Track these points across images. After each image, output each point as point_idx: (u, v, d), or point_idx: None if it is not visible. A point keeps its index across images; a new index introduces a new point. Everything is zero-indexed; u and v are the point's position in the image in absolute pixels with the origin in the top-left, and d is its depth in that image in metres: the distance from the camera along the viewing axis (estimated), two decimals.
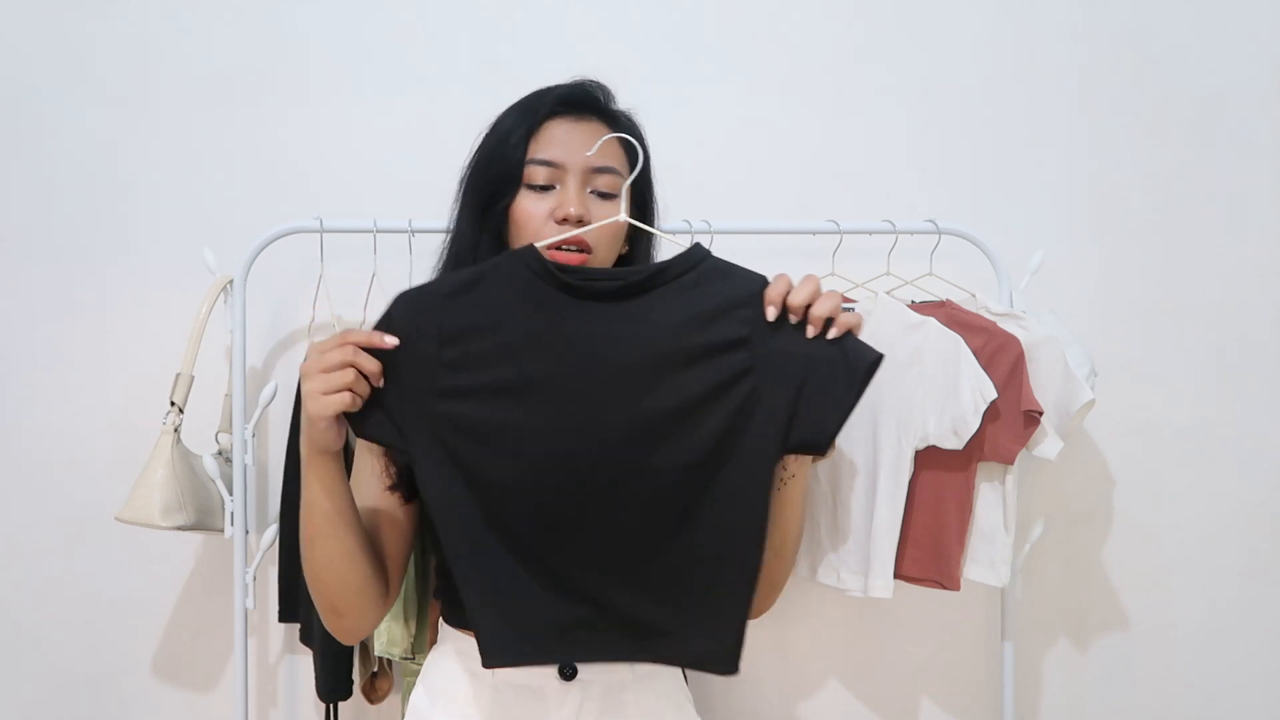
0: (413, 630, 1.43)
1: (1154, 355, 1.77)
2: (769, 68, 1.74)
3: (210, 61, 1.66)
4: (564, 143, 1.06)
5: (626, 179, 1.07)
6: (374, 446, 1.06)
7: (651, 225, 1.15)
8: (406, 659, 1.43)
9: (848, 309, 0.97)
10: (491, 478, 0.94)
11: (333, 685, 1.48)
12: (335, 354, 0.93)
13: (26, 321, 1.65)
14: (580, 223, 1.04)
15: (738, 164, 1.72)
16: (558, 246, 1.03)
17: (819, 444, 0.95)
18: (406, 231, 1.48)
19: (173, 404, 1.47)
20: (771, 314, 0.94)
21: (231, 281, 1.51)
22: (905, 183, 1.75)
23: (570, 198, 1.04)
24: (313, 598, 1.03)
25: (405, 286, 0.99)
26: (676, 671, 1.14)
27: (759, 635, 1.61)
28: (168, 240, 1.65)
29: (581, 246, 1.04)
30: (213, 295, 1.50)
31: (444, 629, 1.13)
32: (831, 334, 0.93)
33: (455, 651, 1.09)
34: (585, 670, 1.03)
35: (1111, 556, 1.78)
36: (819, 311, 0.93)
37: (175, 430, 1.46)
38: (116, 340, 1.65)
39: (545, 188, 1.05)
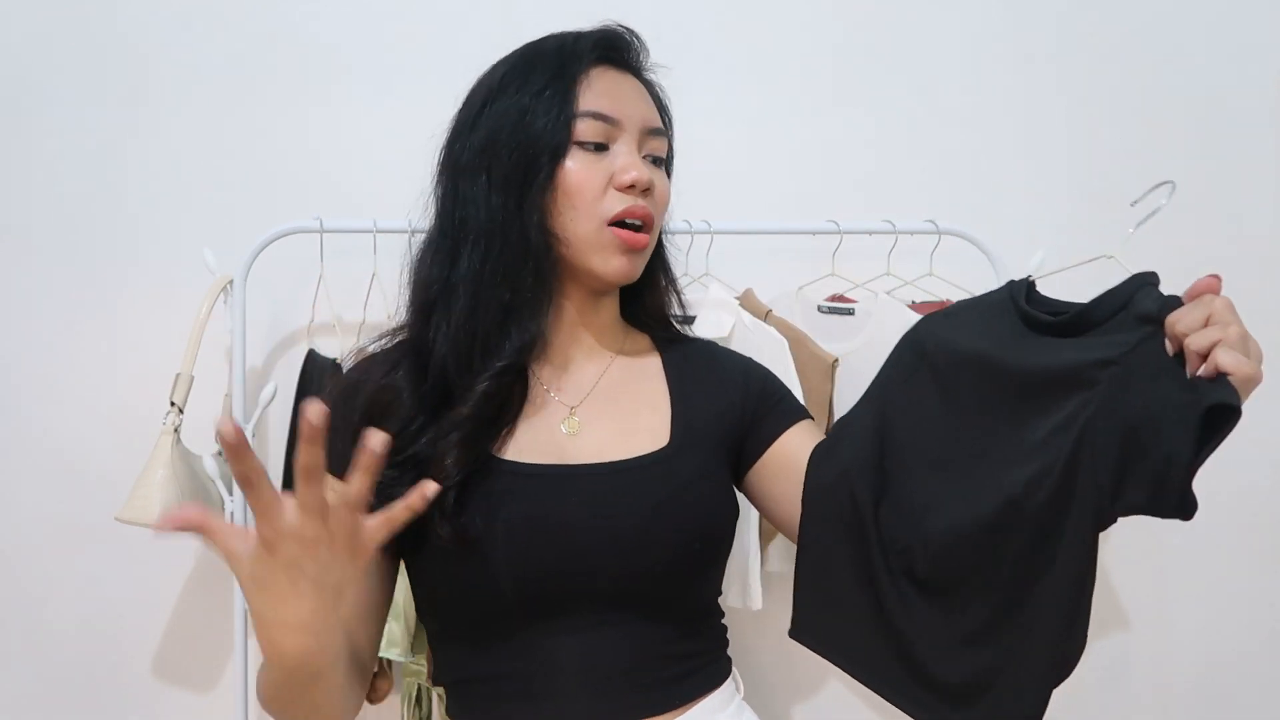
0: (412, 630, 1.43)
1: None
2: (769, 68, 1.74)
3: (210, 61, 1.66)
4: (617, 95, 0.91)
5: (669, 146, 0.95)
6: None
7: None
8: (406, 659, 1.43)
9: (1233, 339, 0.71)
10: None
11: None
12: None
13: (27, 322, 1.65)
14: (647, 192, 0.90)
15: (738, 164, 1.72)
16: (622, 223, 0.90)
17: (1151, 506, 0.73)
18: (406, 231, 1.47)
19: (173, 404, 1.47)
20: (1170, 347, 0.73)
21: (231, 282, 1.51)
22: (905, 183, 1.75)
23: (634, 160, 0.90)
24: None
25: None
26: None
27: (759, 635, 1.61)
28: (168, 240, 1.65)
29: (647, 224, 0.91)
30: (213, 295, 1.50)
31: None
32: (1202, 370, 0.70)
33: None
34: None
35: (1111, 556, 1.78)
36: (1195, 344, 0.69)
37: (175, 430, 1.46)
38: (116, 340, 1.65)
39: (599, 147, 0.90)
